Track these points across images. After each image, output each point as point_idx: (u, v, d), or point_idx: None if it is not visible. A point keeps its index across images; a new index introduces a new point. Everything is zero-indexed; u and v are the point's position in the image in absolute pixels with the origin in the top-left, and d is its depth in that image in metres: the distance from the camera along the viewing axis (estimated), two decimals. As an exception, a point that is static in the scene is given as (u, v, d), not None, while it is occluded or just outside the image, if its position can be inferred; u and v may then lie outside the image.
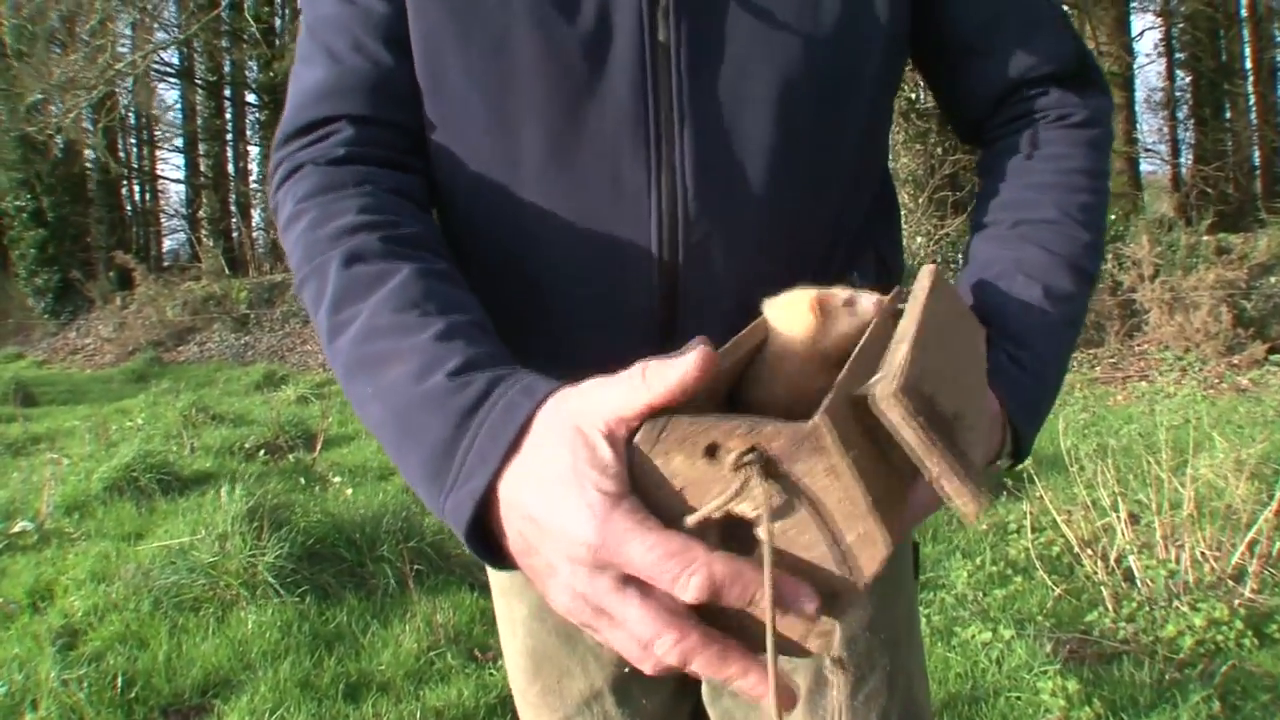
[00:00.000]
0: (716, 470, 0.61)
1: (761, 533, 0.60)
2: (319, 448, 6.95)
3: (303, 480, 6.02)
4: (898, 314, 0.85)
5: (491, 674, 3.26)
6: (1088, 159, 1.05)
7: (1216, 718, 2.77)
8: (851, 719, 1.10)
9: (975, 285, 1.00)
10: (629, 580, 0.62)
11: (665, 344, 0.87)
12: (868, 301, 0.84)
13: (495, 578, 1.23)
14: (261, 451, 6.87)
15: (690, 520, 0.62)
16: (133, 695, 3.14)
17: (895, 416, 0.59)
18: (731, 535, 0.62)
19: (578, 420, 0.64)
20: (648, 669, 0.64)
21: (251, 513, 4.00)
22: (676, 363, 0.62)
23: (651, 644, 0.62)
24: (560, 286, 0.96)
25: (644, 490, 0.63)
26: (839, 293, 0.84)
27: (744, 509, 0.61)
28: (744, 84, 0.94)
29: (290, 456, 6.80)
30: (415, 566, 4.03)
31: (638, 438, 0.63)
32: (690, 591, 0.59)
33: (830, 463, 0.59)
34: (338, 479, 6.14)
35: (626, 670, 1.16)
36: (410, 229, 0.91)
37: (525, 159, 0.94)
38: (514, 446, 0.68)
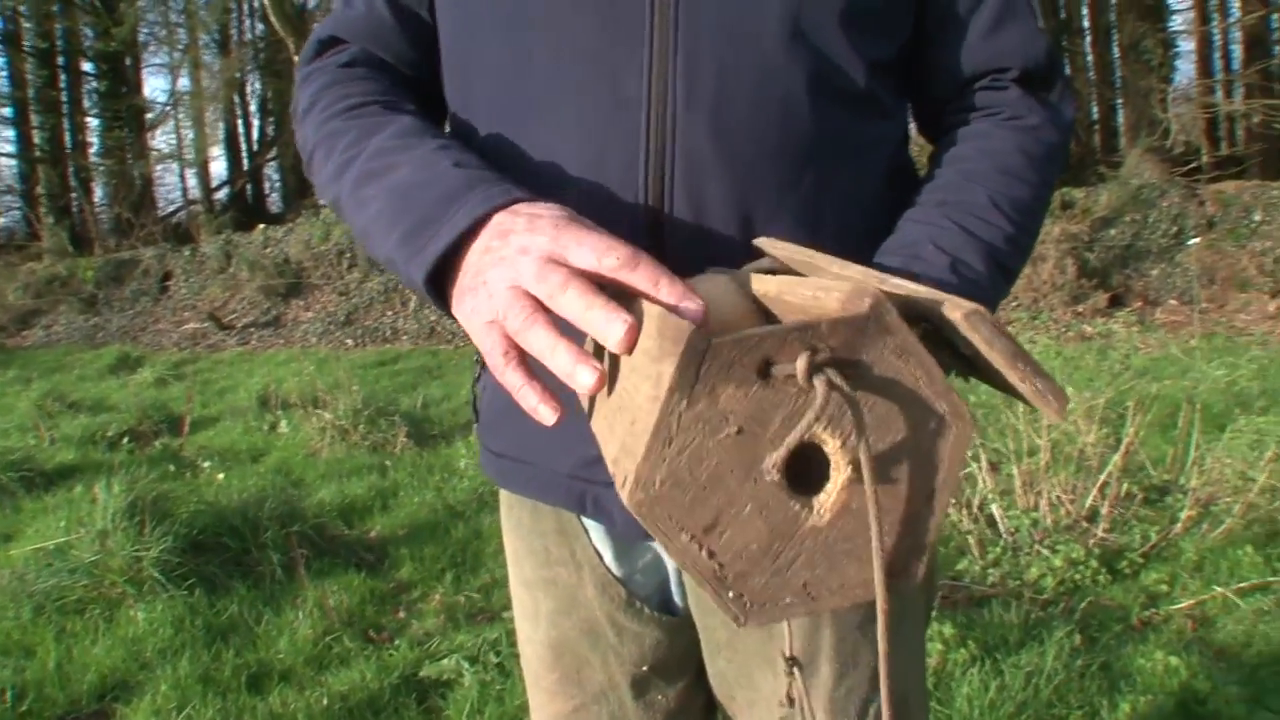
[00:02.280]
0: (775, 392, 0.54)
1: (841, 449, 0.54)
2: (186, 432, 6.81)
3: (172, 467, 5.89)
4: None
5: (390, 654, 3.29)
6: (1030, 161, 1.04)
7: (1078, 650, 2.99)
8: (830, 710, 1.12)
9: (881, 255, 0.98)
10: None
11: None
12: None
13: (520, 574, 1.26)
14: (125, 439, 6.68)
15: (775, 463, 0.55)
16: (25, 708, 3.07)
17: (987, 329, 0.55)
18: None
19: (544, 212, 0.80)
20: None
21: (132, 507, 3.92)
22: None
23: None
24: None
25: (696, 449, 0.55)
26: None
27: (818, 428, 0.55)
28: (742, 1, 0.96)
29: (156, 443, 6.64)
30: (300, 551, 4.02)
31: (672, 387, 0.54)
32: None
33: (899, 341, 0.54)
34: (207, 464, 6.03)
35: (645, 669, 1.19)
36: (409, 106, 1.06)
37: (534, 67, 1.00)
38: (504, 206, 0.82)
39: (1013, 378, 0.57)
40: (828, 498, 0.57)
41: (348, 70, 1.11)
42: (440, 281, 0.84)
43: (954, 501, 3.90)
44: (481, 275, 0.78)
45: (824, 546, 0.57)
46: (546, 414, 0.73)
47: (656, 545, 1.15)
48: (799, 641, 1.11)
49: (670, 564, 1.17)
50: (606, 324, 0.67)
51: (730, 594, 0.58)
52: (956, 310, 0.56)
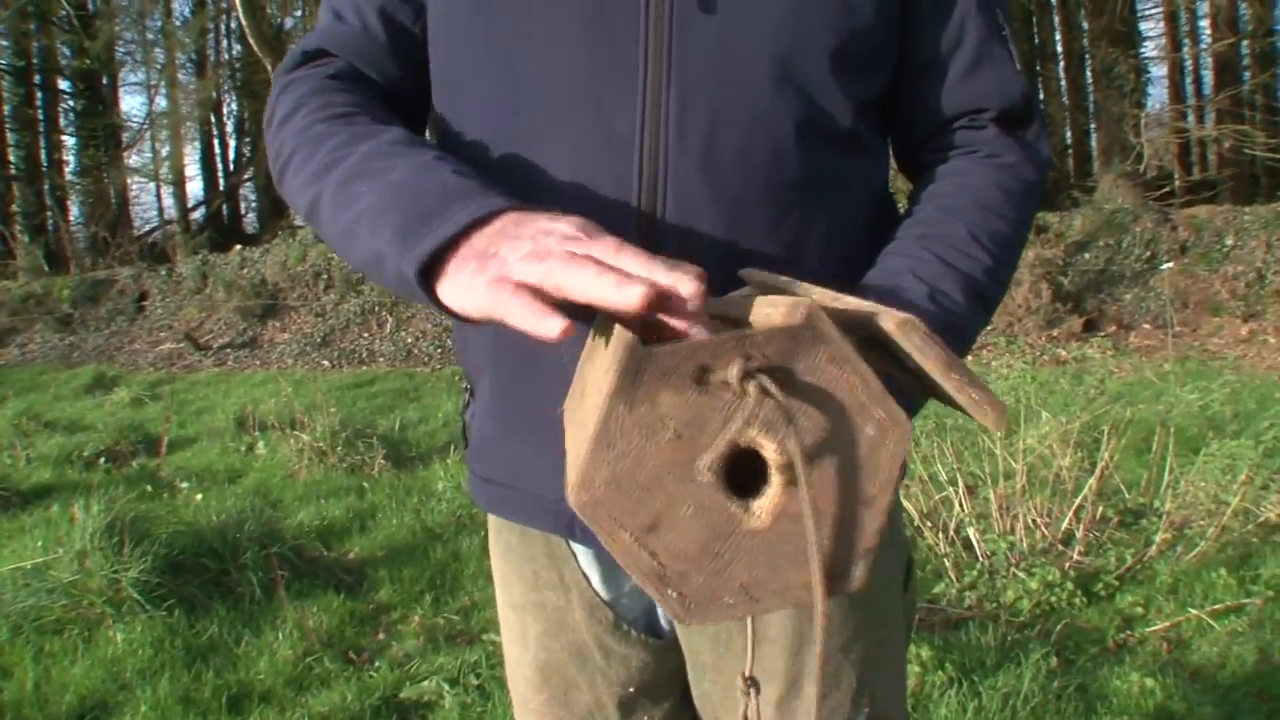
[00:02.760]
0: (711, 398, 0.57)
1: (776, 453, 0.56)
2: (163, 452, 6.78)
3: (149, 487, 5.87)
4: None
5: (371, 675, 3.29)
6: (1008, 196, 1.07)
7: (1054, 672, 3.02)
8: None
9: (862, 287, 1.01)
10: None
11: None
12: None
13: (509, 597, 1.26)
14: (102, 459, 6.65)
15: (708, 463, 0.57)
16: (4, 729, 3.06)
17: (918, 337, 0.56)
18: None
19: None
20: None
21: (110, 527, 3.91)
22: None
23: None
24: None
25: (637, 452, 0.58)
26: None
27: (752, 433, 0.57)
28: (734, 45, 0.99)
29: (133, 463, 6.62)
30: (280, 572, 4.01)
31: (612, 393, 0.57)
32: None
33: (833, 350, 0.56)
34: (185, 484, 6.02)
35: (632, 690, 1.21)
36: (397, 121, 1.05)
37: (525, 99, 1.02)
38: (477, 224, 0.80)
39: (948, 387, 0.58)
40: (766, 501, 0.58)
41: (334, 81, 1.09)
42: (426, 276, 0.82)
43: (931, 525, 3.93)
44: (493, 248, 0.77)
45: (764, 549, 0.59)
46: (554, 325, 0.66)
47: None
48: (782, 663, 1.14)
49: None
50: (672, 274, 0.66)
51: (671, 592, 0.59)
52: (890, 320, 0.58)
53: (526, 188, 1.00)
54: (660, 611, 1.21)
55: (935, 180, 1.11)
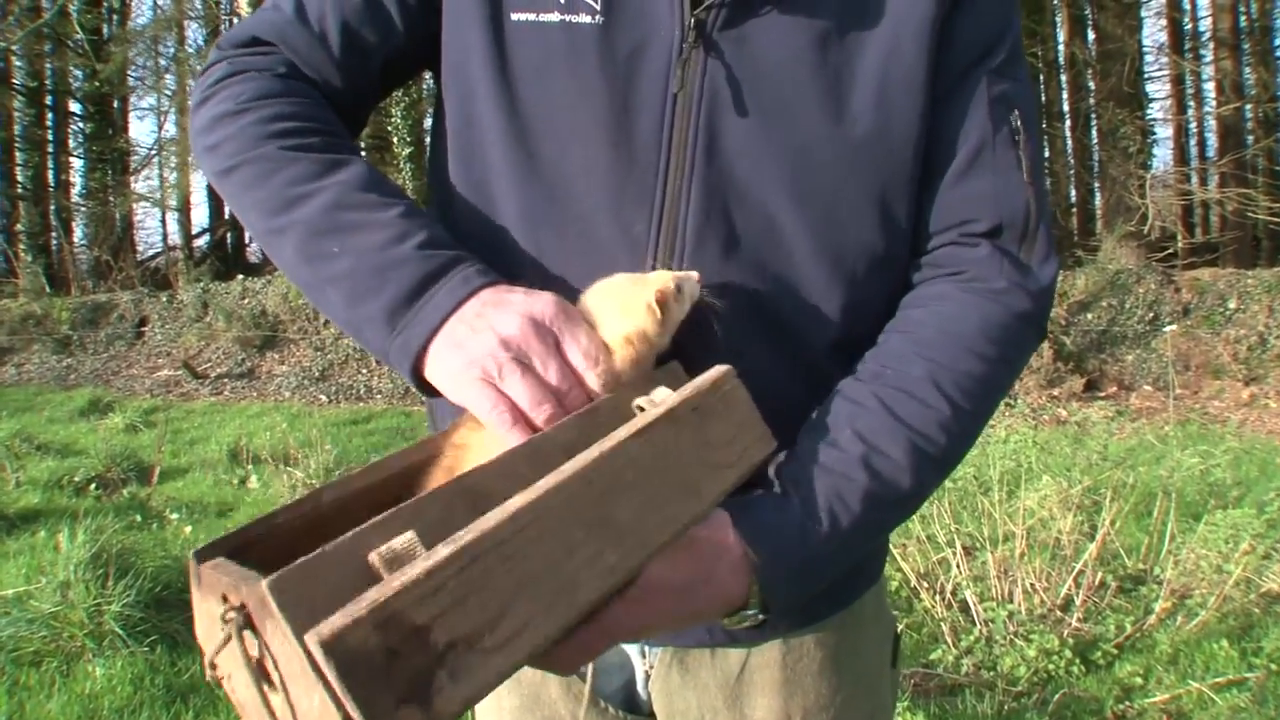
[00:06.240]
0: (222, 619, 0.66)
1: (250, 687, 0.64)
2: (154, 481, 6.72)
3: (139, 517, 5.81)
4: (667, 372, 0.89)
5: (353, 722, 3.22)
6: (987, 330, 0.97)
7: (1051, 744, 2.96)
8: None
9: (804, 430, 0.95)
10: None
11: None
12: (693, 283, 0.91)
13: None
14: (93, 485, 6.60)
15: (207, 664, 0.69)
16: (-27, 762, 2.99)
17: (321, 663, 0.56)
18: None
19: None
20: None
21: (96, 558, 3.86)
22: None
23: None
24: None
25: (207, 634, 0.69)
26: (665, 279, 0.89)
27: (237, 658, 0.64)
28: (759, 149, 0.95)
29: (124, 491, 6.56)
30: (267, 610, 3.94)
31: (193, 584, 0.69)
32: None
33: (282, 627, 0.59)
34: (175, 515, 5.95)
35: None
36: (348, 140, 1.04)
37: (546, 203, 0.99)
38: (458, 307, 0.88)
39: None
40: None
41: (282, 83, 1.03)
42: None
43: (928, 587, 3.88)
44: (474, 341, 0.86)
45: None
46: (513, 438, 0.82)
47: (624, 645, 1.15)
48: None
49: (639, 664, 1.16)
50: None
51: None
52: (311, 635, 0.57)
53: (543, 277, 0.99)
54: (640, 686, 1.18)
55: (911, 306, 1.02)
